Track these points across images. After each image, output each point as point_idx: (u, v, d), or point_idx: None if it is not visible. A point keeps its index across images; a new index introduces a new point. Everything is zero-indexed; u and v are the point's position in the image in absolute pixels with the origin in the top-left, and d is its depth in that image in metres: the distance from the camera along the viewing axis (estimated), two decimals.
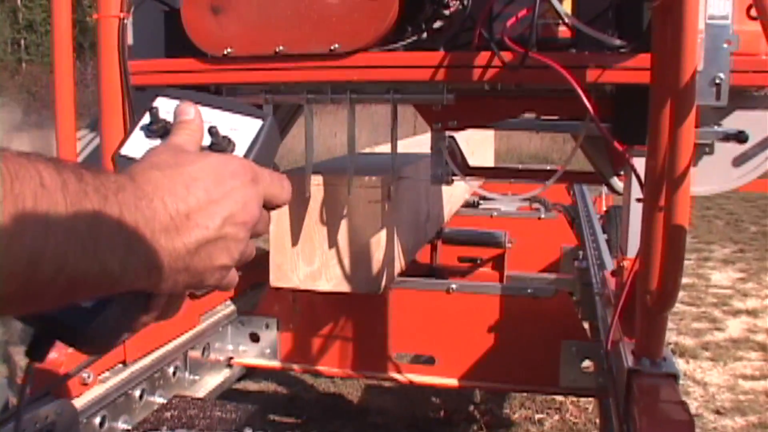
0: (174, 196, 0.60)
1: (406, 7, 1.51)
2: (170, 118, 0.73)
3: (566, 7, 1.47)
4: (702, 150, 1.76)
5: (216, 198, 0.62)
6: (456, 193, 2.90)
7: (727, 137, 1.67)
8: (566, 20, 1.42)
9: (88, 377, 1.46)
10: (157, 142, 0.71)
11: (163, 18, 1.78)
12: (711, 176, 1.79)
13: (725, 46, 1.37)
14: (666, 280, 1.15)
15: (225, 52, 1.57)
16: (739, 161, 1.78)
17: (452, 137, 1.88)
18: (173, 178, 0.61)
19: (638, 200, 1.36)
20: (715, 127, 1.69)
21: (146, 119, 0.74)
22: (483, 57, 1.46)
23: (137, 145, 0.73)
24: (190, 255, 0.61)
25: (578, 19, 1.46)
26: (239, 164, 0.67)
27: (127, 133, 0.74)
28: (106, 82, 1.52)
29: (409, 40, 1.55)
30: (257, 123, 0.73)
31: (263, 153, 0.73)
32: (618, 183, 1.86)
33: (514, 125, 1.80)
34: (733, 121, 1.72)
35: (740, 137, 1.63)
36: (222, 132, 0.72)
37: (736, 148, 1.74)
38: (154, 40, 1.76)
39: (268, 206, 0.70)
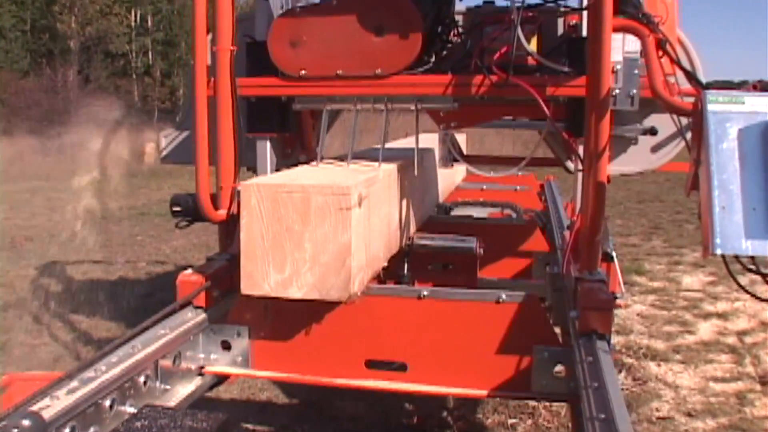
0: None
1: (425, 43, 2.23)
2: None
3: (533, 45, 2.21)
4: (630, 141, 2.52)
5: None
6: (428, 200, 2.96)
7: (644, 132, 2.42)
8: (533, 55, 2.16)
9: None
10: None
11: (245, 46, 2.47)
12: (636, 160, 2.55)
13: (636, 71, 2.12)
14: (593, 216, 1.89)
15: (300, 74, 2.28)
16: (655, 149, 2.54)
17: (453, 134, 2.55)
18: None
19: (579, 170, 2.09)
20: (637, 125, 2.44)
21: None
22: (478, 78, 2.19)
23: None
24: None
25: (541, 52, 2.20)
26: None
27: None
28: (222, 96, 2.19)
29: (426, 66, 2.27)
30: None
31: None
32: (570, 164, 2.58)
33: (498, 125, 2.53)
34: (653, 121, 2.46)
35: (652, 131, 2.39)
36: None
37: (653, 139, 2.49)
38: (238, 62, 2.44)
39: None
